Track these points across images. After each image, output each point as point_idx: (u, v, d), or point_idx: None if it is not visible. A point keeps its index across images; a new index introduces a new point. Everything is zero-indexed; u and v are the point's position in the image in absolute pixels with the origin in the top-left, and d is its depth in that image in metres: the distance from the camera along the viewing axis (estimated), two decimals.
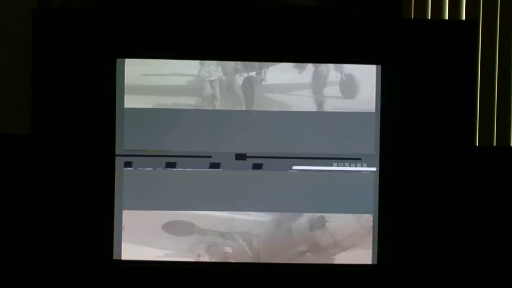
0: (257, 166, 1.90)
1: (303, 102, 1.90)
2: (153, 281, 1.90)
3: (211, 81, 1.90)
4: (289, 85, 1.91)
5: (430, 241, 1.91)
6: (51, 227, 1.86)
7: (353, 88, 1.91)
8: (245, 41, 1.88)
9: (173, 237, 1.90)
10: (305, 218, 1.91)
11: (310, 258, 1.91)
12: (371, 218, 1.91)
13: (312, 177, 1.90)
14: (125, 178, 1.89)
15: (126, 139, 1.88)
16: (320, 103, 1.90)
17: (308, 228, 1.91)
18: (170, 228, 1.90)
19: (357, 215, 1.92)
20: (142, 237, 1.90)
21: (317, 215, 1.91)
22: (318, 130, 1.90)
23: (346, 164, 1.91)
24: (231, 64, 1.90)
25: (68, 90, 1.86)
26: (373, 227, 1.91)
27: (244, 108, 1.90)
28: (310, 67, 1.91)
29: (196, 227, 1.91)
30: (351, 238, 1.92)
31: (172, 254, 1.90)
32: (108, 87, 1.87)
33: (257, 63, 1.90)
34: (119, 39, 1.86)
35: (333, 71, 1.91)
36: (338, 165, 1.91)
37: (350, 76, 1.91)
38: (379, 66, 1.90)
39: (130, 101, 1.88)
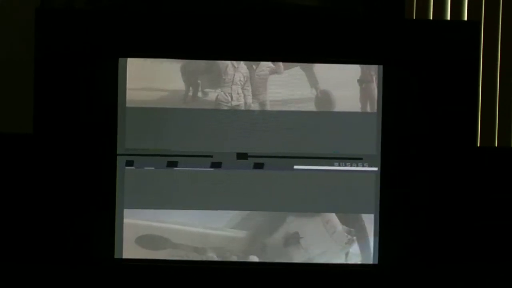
0: (259, 166, 1.90)
1: (305, 102, 1.90)
2: (154, 280, 1.90)
3: (213, 81, 1.90)
4: (290, 85, 1.91)
5: (431, 241, 1.91)
6: (53, 226, 1.86)
7: (354, 88, 1.91)
8: (245, 41, 1.89)
9: (146, 251, 1.90)
10: (280, 233, 1.91)
11: None
12: (346, 234, 1.91)
13: (313, 177, 1.90)
14: (127, 177, 1.89)
15: (128, 138, 1.89)
16: (321, 103, 1.91)
17: (282, 245, 1.92)
18: (143, 241, 1.90)
19: (331, 230, 1.92)
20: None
21: (291, 230, 1.92)
22: (319, 130, 1.90)
23: (347, 164, 1.91)
24: (233, 63, 1.90)
25: (70, 89, 1.86)
26: (374, 227, 1.91)
27: (245, 108, 1.90)
28: (310, 66, 1.91)
29: (169, 241, 1.91)
30: (326, 255, 1.92)
31: None
32: (110, 87, 1.88)
33: (258, 62, 1.90)
34: (121, 38, 1.87)
35: (334, 71, 1.91)
36: (339, 165, 1.91)
37: (352, 76, 1.91)
38: (381, 66, 1.91)
39: (132, 100, 1.88)
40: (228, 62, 1.89)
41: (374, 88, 1.91)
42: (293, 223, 1.91)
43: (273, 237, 1.91)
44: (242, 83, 1.89)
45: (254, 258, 1.91)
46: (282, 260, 1.91)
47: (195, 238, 1.90)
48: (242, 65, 1.89)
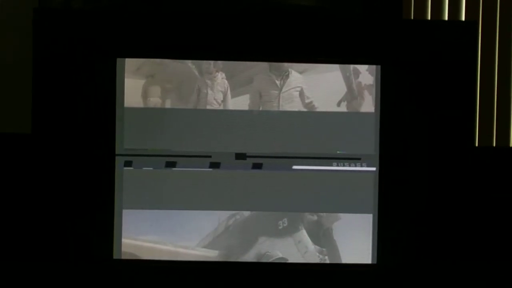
0: (257, 166, 1.90)
1: (303, 102, 1.90)
2: (152, 280, 1.89)
3: (211, 81, 1.90)
4: (289, 85, 1.91)
5: (430, 240, 1.91)
6: (51, 226, 1.86)
7: (352, 89, 1.91)
8: (244, 41, 1.88)
9: None
10: (252, 253, 1.91)
11: None
12: (318, 254, 1.91)
13: (312, 177, 1.90)
14: (125, 178, 1.88)
15: (126, 139, 1.88)
16: (319, 103, 1.91)
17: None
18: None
19: (303, 250, 1.91)
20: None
21: (263, 250, 1.91)
22: (318, 130, 1.90)
23: (346, 164, 1.91)
24: (231, 63, 1.90)
25: (68, 89, 1.86)
26: (373, 227, 1.91)
27: (244, 108, 1.89)
28: (310, 66, 1.91)
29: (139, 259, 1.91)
30: None
31: None
32: (108, 87, 1.87)
33: (257, 63, 1.90)
34: (120, 38, 1.86)
35: (334, 71, 1.91)
36: (338, 165, 1.91)
37: (349, 76, 1.91)
38: (379, 66, 1.91)
39: (130, 101, 1.88)
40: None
41: (373, 88, 1.91)
42: (265, 243, 1.91)
43: (244, 257, 1.91)
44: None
45: None
46: None
47: (166, 256, 1.90)
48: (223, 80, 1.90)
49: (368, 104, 1.91)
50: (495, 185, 2.02)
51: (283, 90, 1.89)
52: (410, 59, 1.90)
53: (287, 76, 1.90)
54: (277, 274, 1.90)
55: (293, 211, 1.91)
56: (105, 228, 1.88)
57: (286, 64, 1.90)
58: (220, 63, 1.89)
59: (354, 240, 1.92)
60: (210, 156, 1.90)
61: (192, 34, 1.88)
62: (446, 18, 2.34)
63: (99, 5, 2.16)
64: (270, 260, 1.91)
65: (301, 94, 1.90)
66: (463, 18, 2.35)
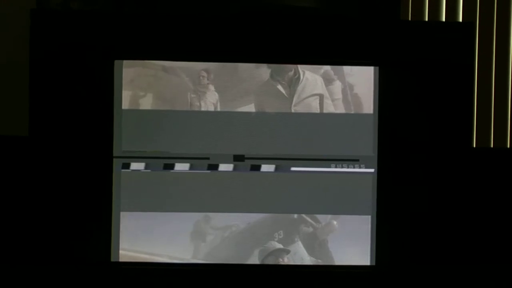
0: (255, 168, 1.90)
1: (302, 104, 1.90)
2: (150, 283, 1.89)
3: (209, 83, 1.89)
4: (288, 87, 1.91)
5: (428, 242, 1.91)
6: (49, 228, 1.85)
7: (350, 90, 1.91)
8: (242, 43, 1.88)
9: None
10: None
11: None
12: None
13: (310, 179, 1.90)
14: (123, 180, 1.88)
15: (124, 141, 1.88)
16: (318, 105, 1.91)
17: None
18: None
19: (299, 261, 1.91)
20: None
21: (259, 262, 1.90)
22: (316, 132, 1.90)
23: (344, 165, 1.91)
24: (229, 65, 1.89)
25: (66, 91, 1.85)
26: (371, 228, 1.91)
27: (242, 110, 1.89)
28: (307, 68, 1.91)
29: None
30: None
31: None
32: (106, 89, 1.87)
33: (254, 65, 1.90)
34: (117, 40, 1.86)
35: (331, 74, 1.91)
36: (336, 167, 1.91)
37: (349, 78, 1.91)
38: (377, 68, 1.91)
39: (128, 103, 1.88)
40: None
41: (371, 90, 1.91)
42: (258, 256, 1.91)
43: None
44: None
45: None
46: None
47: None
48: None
49: (367, 106, 1.91)
50: (493, 186, 2.03)
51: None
52: (408, 60, 1.90)
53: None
54: (277, 276, 1.90)
55: (291, 213, 1.91)
56: (103, 230, 1.87)
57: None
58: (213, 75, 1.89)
59: (350, 250, 1.92)
60: (208, 158, 1.89)
61: (190, 36, 1.87)
62: (444, 19, 2.34)
63: (97, 6, 2.15)
64: None
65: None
66: (460, 19, 2.35)
